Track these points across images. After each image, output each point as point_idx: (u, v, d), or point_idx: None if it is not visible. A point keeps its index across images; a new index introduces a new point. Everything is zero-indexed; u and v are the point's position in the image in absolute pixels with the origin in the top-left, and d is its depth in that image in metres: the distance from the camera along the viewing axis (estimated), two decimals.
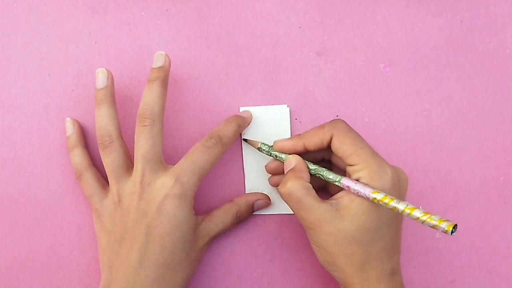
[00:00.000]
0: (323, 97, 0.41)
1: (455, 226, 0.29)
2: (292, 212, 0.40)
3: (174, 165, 0.36)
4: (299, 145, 0.36)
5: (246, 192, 0.41)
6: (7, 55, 0.41)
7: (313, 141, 0.35)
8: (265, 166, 0.39)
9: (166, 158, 0.39)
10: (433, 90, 0.41)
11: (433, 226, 0.30)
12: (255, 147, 0.39)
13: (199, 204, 0.40)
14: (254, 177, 0.41)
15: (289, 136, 0.40)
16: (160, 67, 0.37)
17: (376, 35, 0.42)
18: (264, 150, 0.38)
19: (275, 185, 0.39)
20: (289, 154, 0.37)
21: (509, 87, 0.41)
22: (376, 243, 0.33)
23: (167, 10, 0.42)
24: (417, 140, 0.41)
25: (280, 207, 0.40)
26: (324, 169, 0.35)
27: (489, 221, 0.41)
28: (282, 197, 0.35)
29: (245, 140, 0.40)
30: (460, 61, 0.42)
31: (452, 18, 0.42)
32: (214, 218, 0.38)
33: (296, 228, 0.41)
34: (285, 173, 0.36)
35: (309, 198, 0.33)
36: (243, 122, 0.39)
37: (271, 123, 0.41)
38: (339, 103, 0.41)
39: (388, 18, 0.42)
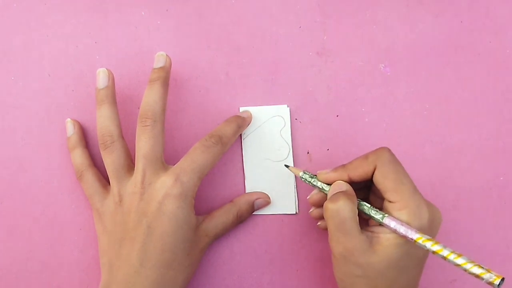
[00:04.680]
0: (323, 97, 0.41)
1: (503, 279, 0.28)
2: (293, 213, 0.40)
3: (174, 165, 0.36)
4: (344, 177, 0.35)
5: (246, 192, 0.41)
6: (7, 55, 0.41)
7: (358, 173, 0.34)
8: (308, 198, 0.37)
9: (166, 158, 0.39)
10: (433, 90, 0.41)
11: (478, 276, 0.28)
12: (296, 175, 0.38)
13: (199, 204, 0.40)
14: (254, 177, 0.41)
15: (289, 137, 0.40)
16: (161, 68, 0.37)
17: (376, 35, 0.42)
18: (305, 179, 0.37)
19: (317, 219, 0.38)
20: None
21: (509, 87, 0.42)
22: (400, 280, 0.33)
23: (167, 10, 0.42)
24: (417, 140, 0.41)
25: (280, 207, 0.40)
26: (367, 205, 0.34)
27: (489, 221, 0.41)
28: (325, 213, 0.33)
29: (287, 166, 0.39)
30: (460, 61, 0.42)
31: (452, 18, 0.42)
32: (215, 218, 0.38)
33: (296, 228, 0.41)
34: (331, 194, 0.34)
35: (354, 223, 0.32)
36: (243, 122, 0.39)
37: (271, 123, 0.41)
38: (339, 103, 0.41)
39: (388, 18, 0.42)
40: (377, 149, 0.34)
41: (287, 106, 0.41)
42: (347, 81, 0.41)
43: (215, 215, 0.38)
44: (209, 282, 0.40)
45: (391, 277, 0.33)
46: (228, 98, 0.41)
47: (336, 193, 0.34)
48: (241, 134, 0.41)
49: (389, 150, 0.34)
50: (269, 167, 0.40)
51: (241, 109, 0.41)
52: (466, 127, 0.41)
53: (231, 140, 0.38)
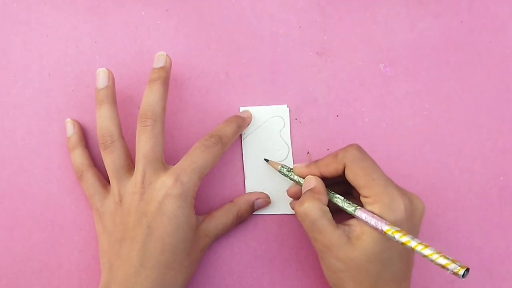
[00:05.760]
0: (323, 97, 0.41)
1: (467, 269, 0.28)
2: (293, 213, 0.40)
3: (174, 165, 0.36)
4: (316, 173, 0.36)
5: (246, 192, 0.41)
6: (7, 55, 0.41)
7: (329, 170, 0.35)
8: (287, 190, 0.39)
9: (166, 158, 0.39)
10: (433, 90, 0.41)
11: (443, 266, 0.29)
12: (275, 169, 0.39)
13: (199, 204, 0.40)
14: (254, 177, 0.41)
15: (289, 138, 0.40)
16: (161, 67, 0.37)
17: (376, 35, 0.42)
18: (283, 172, 0.38)
19: None
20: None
21: (509, 87, 0.42)
22: (385, 273, 0.33)
23: (167, 10, 0.42)
24: (417, 140, 0.41)
25: (280, 207, 0.40)
26: (341, 198, 0.35)
27: (489, 221, 0.41)
28: (297, 216, 0.35)
29: (267, 160, 0.40)
30: (460, 61, 0.42)
31: (452, 18, 0.42)
32: (215, 218, 0.38)
33: (296, 228, 0.41)
34: (303, 192, 0.36)
35: (324, 221, 0.33)
36: (243, 122, 0.39)
37: (271, 123, 0.41)
38: (339, 103, 0.41)
39: (388, 18, 0.42)
40: (346, 147, 0.35)
41: (287, 106, 0.41)
42: (347, 81, 0.41)
43: (215, 215, 0.38)
44: (209, 282, 0.40)
45: (375, 271, 0.33)
46: (228, 98, 0.41)
47: (304, 194, 0.35)
48: (241, 134, 0.41)
49: (358, 147, 0.35)
50: (269, 167, 0.40)
51: (241, 109, 0.41)
52: (466, 127, 0.41)
53: (231, 140, 0.38)
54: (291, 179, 0.38)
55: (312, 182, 0.35)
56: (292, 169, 0.38)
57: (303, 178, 0.37)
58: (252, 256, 0.40)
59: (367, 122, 0.41)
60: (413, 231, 0.33)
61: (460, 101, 0.41)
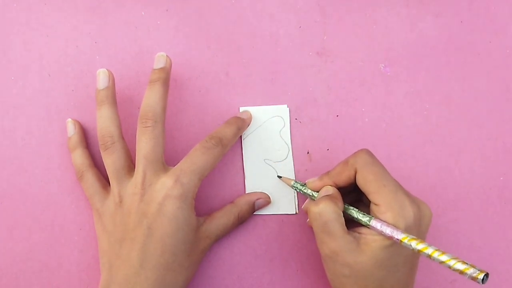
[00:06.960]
0: (323, 97, 0.41)
1: (486, 275, 0.28)
2: (293, 213, 0.40)
3: (174, 166, 0.36)
4: (329, 184, 0.36)
5: (246, 192, 0.41)
6: (7, 55, 0.41)
7: (341, 179, 0.35)
8: (302, 207, 0.39)
9: (166, 159, 0.39)
10: (433, 90, 0.41)
11: (462, 272, 0.29)
12: (288, 185, 0.39)
13: (200, 204, 0.40)
14: (254, 177, 0.41)
15: (289, 138, 0.40)
16: (162, 68, 0.37)
17: (376, 35, 0.42)
18: (297, 187, 0.38)
19: None
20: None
21: (509, 87, 0.42)
22: (390, 279, 0.33)
23: (167, 10, 0.42)
24: (417, 140, 0.41)
25: (280, 207, 0.40)
26: (355, 210, 0.35)
27: (489, 221, 0.41)
28: (309, 217, 0.34)
29: (280, 177, 0.40)
30: (460, 61, 0.42)
31: (452, 18, 0.42)
32: (215, 219, 0.38)
33: (296, 228, 0.41)
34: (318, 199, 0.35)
35: (337, 224, 0.33)
36: (243, 123, 0.39)
37: (271, 123, 0.41)
38: (339, 103, 0.41)
39: (388, 18, 0.42)
40: (356, 152, 0.35)
41: (287, 106, 0.41)
42: (347, 81, 0.41)
43: (215, 216, 0.38)
44: (209, 283, 0.40)
45: (380, 277, 0.33)
46: (228, 98, 0.41)
47: (321, 197, 0.35)
48: (241, 137, 0.41)
49: (368, 152, 0.35)
50: (269, 167, 0.40)
51: (241, 109, 0.41)
52: (466, 127, 0.41)
53: (231, 142, 0.38)
54: (304, 193, 0.38)
55: (330, 189, 0.35)
56: (305, 183, 0.38)
57: (317, 191, 0.37)
58: (252, 256, 0.40)
59: (367, 122, 0.41)
60: (420, 238, 0.33)
61: (460, 101, 0.41)
